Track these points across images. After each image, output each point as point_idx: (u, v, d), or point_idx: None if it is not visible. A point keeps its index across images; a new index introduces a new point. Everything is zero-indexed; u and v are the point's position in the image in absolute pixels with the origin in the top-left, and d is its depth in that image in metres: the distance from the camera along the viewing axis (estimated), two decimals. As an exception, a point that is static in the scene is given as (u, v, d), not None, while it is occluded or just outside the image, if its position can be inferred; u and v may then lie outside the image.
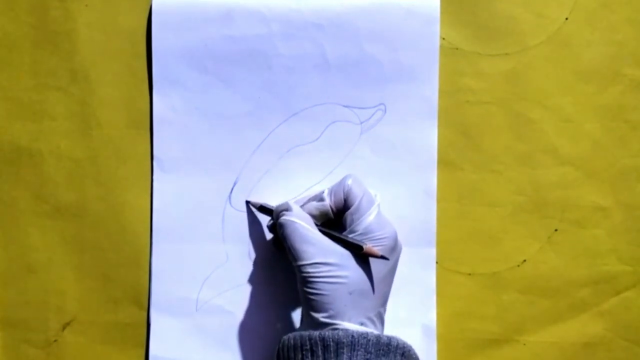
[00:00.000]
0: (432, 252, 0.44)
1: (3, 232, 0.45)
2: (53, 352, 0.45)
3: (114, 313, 0.45)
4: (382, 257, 0.37)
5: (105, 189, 0.45)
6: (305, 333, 0.36)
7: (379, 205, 0.39)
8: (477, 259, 0.44)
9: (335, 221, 0.40)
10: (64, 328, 0.45)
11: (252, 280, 0.44)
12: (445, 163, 0.44)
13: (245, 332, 0.44)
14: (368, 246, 0.37)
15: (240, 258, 0.44)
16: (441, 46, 0.44)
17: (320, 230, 0.39)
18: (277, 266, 0.44)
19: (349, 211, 0.39)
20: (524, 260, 0.44)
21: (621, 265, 0.44)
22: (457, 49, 0.44)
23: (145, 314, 0.45)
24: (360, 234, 0.38)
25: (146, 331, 0.45)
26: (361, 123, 0.44)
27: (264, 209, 0.43)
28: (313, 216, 0.40)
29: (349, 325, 0.36)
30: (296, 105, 0.44)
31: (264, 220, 0.44)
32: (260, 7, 0.44)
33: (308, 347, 0.36)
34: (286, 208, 0.40)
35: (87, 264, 0.45)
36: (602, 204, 0.44)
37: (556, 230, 0.44)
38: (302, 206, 0.40)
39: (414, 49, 0.43)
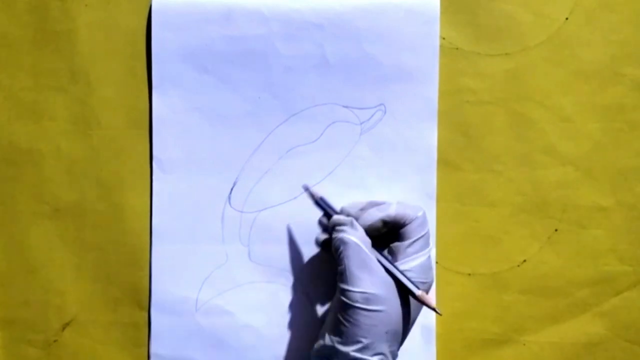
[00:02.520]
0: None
1: (3, 232, 0.45)
2: (53, 352, 0.45)
3: (114, 313, 0.45)
4: (434, 311, 0.36)
5: (105, 189, 0.45)
6: None
7: (430, 249, 0.38)
8: (477, 259, 0.44)
9: (377, 236, 0.39)
10: (64, 328, 0.45)
11: (252, 280, 0.44)
12: (445, 163, 0.44)
13: (245, 332, 0.44)
14: (422, 294, 0.35)
15: (240, 258, 0.44)
16: (441, 46, 0.44)
17: (379, 254, 0.37)
18: (277, 266, 0.44)
19: (406, 243, 0.38)
20: (524, 260, 0.44)
21: (621, 265, 0.44)
22: (457, 49, 0.44)
23: (145, 313, 0.45)
24: (409, 271, 0.37)
25: (147, 331, 0.45)
26: (361, 123, 0.44)
27: (321, 204, 0.41)
28: (370, 226, 0.38)
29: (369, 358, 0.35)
30: (296, 106, 0.44)
31: (266, 220, 0.44)
32: (260, 7, 0.44)
33: None
34: (350, 224, 0.38)
35: (87, 264, 0.45)
36: (602, 204, 0.44)
37: (556, 230, 0.44)
38: (360, 210, 0.39)
39: (414, 49, 0.43)
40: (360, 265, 0.36)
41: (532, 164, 0.44)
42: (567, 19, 0.44)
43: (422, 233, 0.38)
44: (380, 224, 0.38)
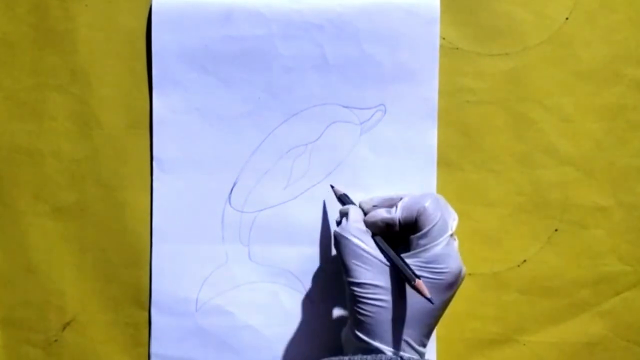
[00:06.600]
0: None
1: (3, 232, 0.45)
2: (53, 352, 0.45)
3: (114, 313, 0.45)
4: (428, 300, 0.35)
5: (105, 189, 0.45)
6: (335, 359, 0.36)
7: (451, 235, 0.37)
8: (477, 259, 0.44)
9: (400, 234, 0.38)
10: (64, 328, 0.45)
11: (252, 280, 0.44)
12: (445, 163, 0.44)
13: (245, 332, 0.44)
14: (419, 282, 0.35)
15: (240, 258, 0.44)
16: (441, 46, 0.44)
17: (379, 244, 0.37)
18: (277, 266, 0.44)
19: (416, 235, 0.37)
20: (524, 260, 0.44)
21: (621, 265, 0.44)
22: (457, 49, 0.44)
23: (145, 313, 0.45)
24: (422, 261, 0.36)
25: (147, 331, 0.45)
26: (361, 123, 0.44)
27: (343, 200, 0.41)
28: (377, 226, 0.38)
29: (385, 348, 0.35)
30: (296, 106, 0.44)
31: (266, 220, 0.44)
32: (260, 8, 0.44)
33: None
34: (345, 213, 0.39)
35: (87, 264, 0.45)
36: (602, 204, 0.44)
37: (556, 230, 0.44)
38: (373, 206, 0.39)
39: (414, 49, 0.43)
40: (353, 257, 0.37)
41: (532, 164, 0.44)
42: (567, 19, 0.44)
43: (433, 223, 0.36)
44: (389, 223, 0.38)
